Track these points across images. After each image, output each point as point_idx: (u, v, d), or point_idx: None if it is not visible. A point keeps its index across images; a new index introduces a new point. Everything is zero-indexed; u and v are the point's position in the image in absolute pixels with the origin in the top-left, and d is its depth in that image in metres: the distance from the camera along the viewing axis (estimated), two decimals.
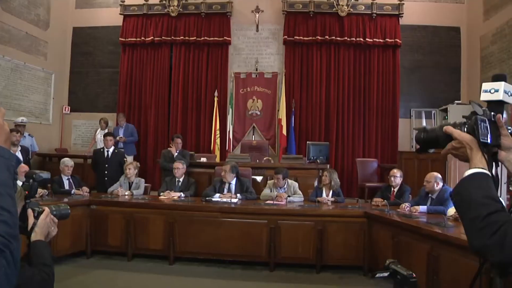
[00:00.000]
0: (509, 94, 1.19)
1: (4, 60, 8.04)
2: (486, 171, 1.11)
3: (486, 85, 1.20)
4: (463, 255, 3.26)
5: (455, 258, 3.41)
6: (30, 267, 1.54)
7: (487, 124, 1.15)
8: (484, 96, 1.21)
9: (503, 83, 1.18)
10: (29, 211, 1.65)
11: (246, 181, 5.97)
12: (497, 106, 1.19)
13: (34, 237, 1.63)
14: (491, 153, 1.17)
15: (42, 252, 1.63)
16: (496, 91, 1.18)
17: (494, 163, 1.17)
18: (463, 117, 1.21)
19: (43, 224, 1.65)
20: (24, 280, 1.46)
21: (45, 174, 1.82)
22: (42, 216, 1.65)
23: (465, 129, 1.17)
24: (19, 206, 1.63)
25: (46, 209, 1.68)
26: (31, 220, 1.64)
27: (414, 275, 1.94)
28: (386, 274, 2.03)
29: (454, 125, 1.20)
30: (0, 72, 8.00)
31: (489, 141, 1.14)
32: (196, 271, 4.99)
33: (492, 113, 1.17)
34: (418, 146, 1.33)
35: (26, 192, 1.67)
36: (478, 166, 1.11)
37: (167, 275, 4.84)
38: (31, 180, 1.70)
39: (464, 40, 8.98)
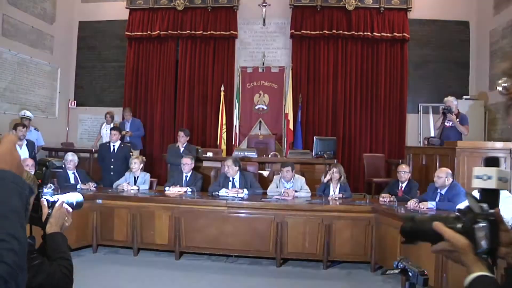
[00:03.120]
0: (504, 180, 1.03)
1: (10, 54, 8.03)
2: (489, 274, 0.98)
3: (478, 170, 1.05)
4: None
5: None
6: (51, 262, 1.48)
7: (486, 230, 1.00)
8: (476, 183, 1.06)
9: (496, 169, 1.04)
10: (43, 201, 1.57)
11: (250, 176, 5.93)
12: (491, 194, 1.05)
13: (49, 228, 1.56)
14: (490, 252, 1.03)
15: (60, 245, 1.57)
16: (490, 178, 1.04)
17: (494, 261, 1.04)
18: (458, 210, 1.08)
19: (58, 215, 1.59)
20: (45, 278, 1.42)
21: (59, 162, 1.75)
22: (56, 206, 1.59)
23: (461, 229, 1.02)
24: (32, 195, 1.56)
25: (60, 199, 1.62)
26: (45, 210, 1.57)
27: (426, 272, 1.90)
28: (397, 271, 1.98)
29: (446, 221, 1.05)
30: (7, 66, 7.99)
31: (486, 247, 1.00)
32: (202, 266, 4.97)
33: (490, 210, 1.03)
34: (403, 238, 1.20)
35: (39, 181, 1.59)
36: (477, 272, 0.99)
37: (173, 269, 4.83)
38: (44, 168, 1.63)
39: (473, 34, 8.86)
